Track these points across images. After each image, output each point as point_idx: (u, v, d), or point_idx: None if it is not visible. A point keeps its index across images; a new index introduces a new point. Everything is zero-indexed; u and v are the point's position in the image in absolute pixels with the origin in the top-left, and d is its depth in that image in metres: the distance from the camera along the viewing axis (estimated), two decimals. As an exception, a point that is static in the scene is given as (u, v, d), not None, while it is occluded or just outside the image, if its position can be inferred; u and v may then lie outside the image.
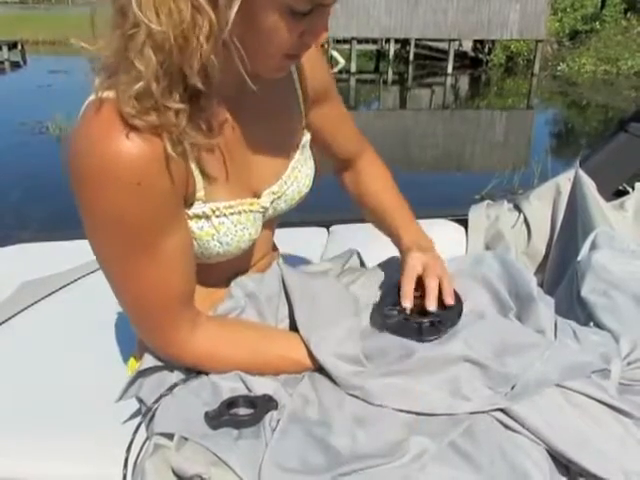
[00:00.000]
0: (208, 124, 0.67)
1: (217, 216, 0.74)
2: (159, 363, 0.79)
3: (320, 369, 0.77)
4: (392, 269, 0.96)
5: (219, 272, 0.84)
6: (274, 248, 1.01)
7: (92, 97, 0.64)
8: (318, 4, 0.61)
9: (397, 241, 0.95)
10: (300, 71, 0.85)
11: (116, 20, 0.60)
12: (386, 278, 0.96)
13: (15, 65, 15.64)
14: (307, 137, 0.89)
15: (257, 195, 0.81)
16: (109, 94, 0.62)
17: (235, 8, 0.57)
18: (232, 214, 0.75)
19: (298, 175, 0.86)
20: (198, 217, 0.73)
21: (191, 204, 0.72)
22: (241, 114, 0.76)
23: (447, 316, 0.79)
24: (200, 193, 0.72)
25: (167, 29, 0.56)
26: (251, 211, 0.78)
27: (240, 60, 0.62)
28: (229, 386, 0.76)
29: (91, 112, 0.63)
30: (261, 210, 0.81)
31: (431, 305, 0.81)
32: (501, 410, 0.69)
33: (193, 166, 0.70)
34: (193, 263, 0.75)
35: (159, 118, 0.61)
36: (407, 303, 0.81)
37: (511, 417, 0.68)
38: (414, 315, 0.80)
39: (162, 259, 0.69)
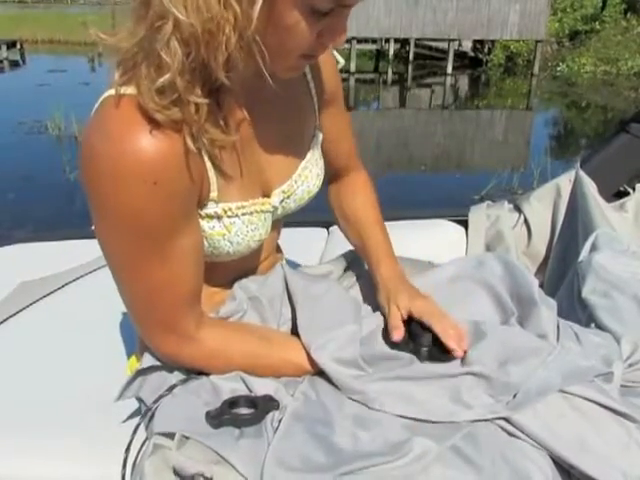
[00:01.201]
0: (225, 121, 0.67)
1: (229, 216, 0.74)
2: (159, 363, 0.79)
3: (320, 373, 0.76)
4: None
5: (224, 273, 0.84)
6: (278, 249, 1.01)
7: (108, 93, 0.63)
8: (339, 4, 0.61)
9: (372, 265, 0.92)
10: (314, 71, 0.85)
11: (139, 12, 0.59)
12: None
13: (14, 64, 15.63)
14: (319, 137, 0.89)
15: (267, 194, 0.81)
16: (127, 89, 0.62)
17: (259, 3, 0.56)
18: (244, 214, 0.75)
19: (308, 175, 0.85)
20: (210, 217, 0.73)
21: (204, 205, 0.72)
22: (256, 113, 0.76)
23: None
24: (214, 194, 0.72)
25: (194, 21, 0.56)
26: (262, 211, 0.78)
27: (261, 57, 0.61)
28: (229, 386, 0.76)
29: (109, 109, 0.62)
30: (271, 210, 0.81)
31: (458, 352, 0.76)
32: (503, 418, 0.68)
33: (209, 165, 0.69)
34: (202, 263, 0.75)
35: (180, 112, 0.61)
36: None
37: (512, 424, 0.68)
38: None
39: (174, 259, 0.69)
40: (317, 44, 0.64)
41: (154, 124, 0.61)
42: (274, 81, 0.66)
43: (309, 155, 0.86)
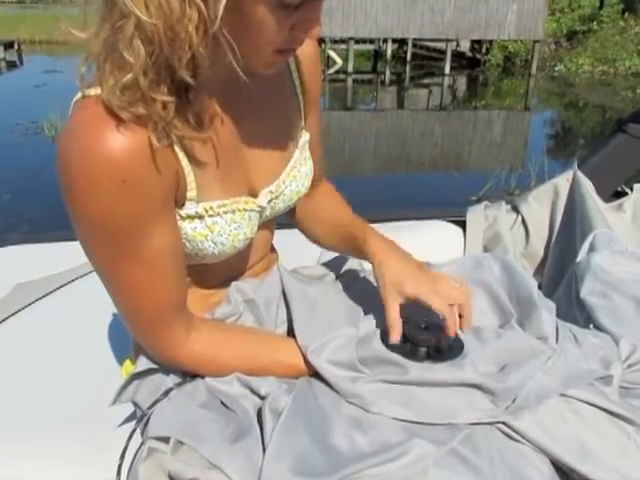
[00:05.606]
0: (197, 118, 0.66)
1: (210, 215, 0.73)
2: (153, 366, 0.78)
3: (317, 374, 0.76)
4: None
5: (216, 274, 0.83)
6: (272, 250, 1.00)
7: (78, 95, 0.63)
8: None
9: (367, 250, 0.86)
10: (300, 70, 0.84)
11: (104, 11, 0.59)
12: None
13: (11, 65, 15.61)
14: (306, 137, 0.88)
15: (254, 194, 0.80)
16: (93, 90, 0.61)
17: (224, 1, 0.55)
18: (226, 213, 0.74)
19: (297, 175, 0.84)
20: (191, 218, 0.72)
21: (182, 204, 0.71)
22: (236, 110, 0.74)
23: (454, 344, 0.77)
24: (192, 192, 0.71)
25: (156, 21, 0.55)
26: (245, 210, 0.77)
27: (232, 52, 0.60)
28: (226, 389, 0.75)
29: (77, 111, 0.62)
30: (257, 209, 0.80)
31: (452, 332, 0.76)
32: (502, 422, 0.68)
33: (184, 164, 0.68)
34: (183, 267, 0.74)
35: (146, 109, 0.60)
36: (396, 335, 0.77)
37: (511, 428, 0.67)
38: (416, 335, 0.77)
39: (150, 261, 0.68)
40: (291, 38, 0.63)
41: (120, 122, 0.60)
42: (256, 79, 0.65)
43: (297, 154, 0.85)
